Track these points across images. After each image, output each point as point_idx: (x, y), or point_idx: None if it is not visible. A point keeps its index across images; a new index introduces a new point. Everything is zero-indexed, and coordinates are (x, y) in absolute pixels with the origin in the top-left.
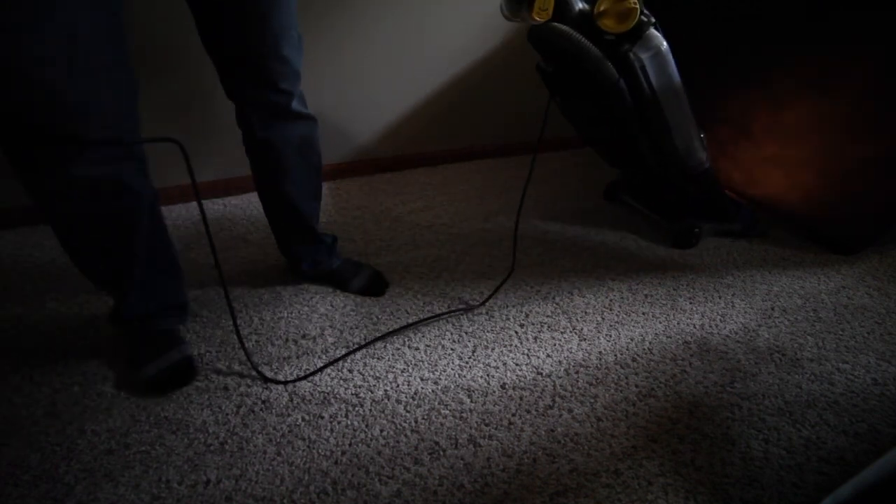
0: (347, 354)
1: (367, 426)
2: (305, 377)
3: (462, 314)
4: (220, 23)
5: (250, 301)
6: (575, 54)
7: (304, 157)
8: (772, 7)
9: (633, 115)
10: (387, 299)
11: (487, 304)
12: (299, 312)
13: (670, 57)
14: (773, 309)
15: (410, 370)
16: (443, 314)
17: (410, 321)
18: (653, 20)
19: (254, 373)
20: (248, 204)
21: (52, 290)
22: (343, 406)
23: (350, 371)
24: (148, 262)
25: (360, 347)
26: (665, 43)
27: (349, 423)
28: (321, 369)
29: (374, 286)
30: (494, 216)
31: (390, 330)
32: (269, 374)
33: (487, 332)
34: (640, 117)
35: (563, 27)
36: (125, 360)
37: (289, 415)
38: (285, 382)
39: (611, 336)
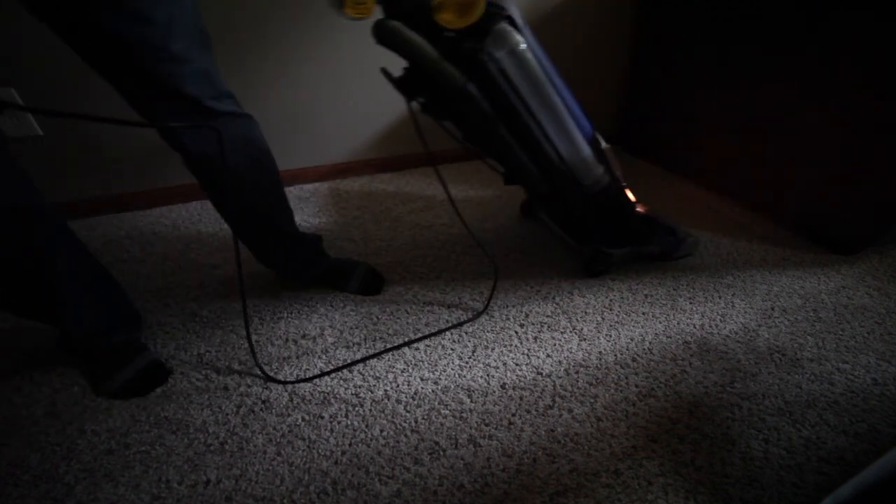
0: (353, 364)
1: (367, 426)
2: (309, 380)
3: (463, 316)
4: (83, 25)
5: (250, 301)
6: (407, 55)
7: (250, 158)
8: (772, 7)
9: (493, 125)
10: (386, 299)
11: (488, 305)
12: (299, 312)
13: (532, 56)
14: (773, 309)
15: (410, 370)
16: (444, 329)
17: (410, 322)
18: (507, 13)
19: (255, 371)
20: None
21: None
22: (343, 406)
23: (350, 371)
24: (71, 279)
25: (365, 359)
26: (524, 41)
27: (349, 423)
28: (327, 374)
29: (371, 285)
30: (494, 216)
31: (395, 340)
32: (268, 374)
33: (487, 332)
34: (508, 128)
35: (394, 24)
36: (88, 381)
37: (289, 415)
38: (284, 382)
39: (611, 336)
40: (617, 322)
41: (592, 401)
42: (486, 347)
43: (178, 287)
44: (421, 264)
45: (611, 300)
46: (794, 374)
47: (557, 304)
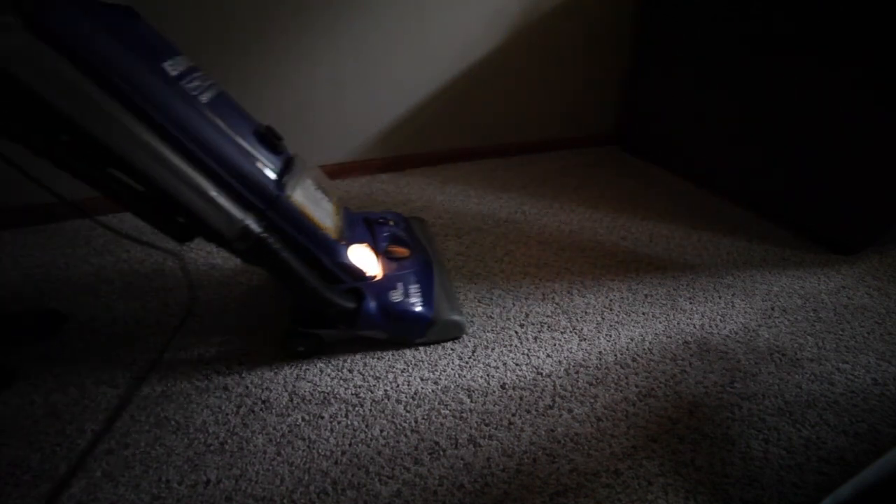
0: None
1: (367, 426)
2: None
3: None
4: None
5: (249, 300)
6: None
7: None
8: (771, 7)
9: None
10: None
11: (487, 304)
12: None
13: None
14: (773, 309)
15: (410, 370)
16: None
17: None
18: None
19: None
20: None
21: (52, 291)
22: (343, 406)
23: (350, 371)
24: None
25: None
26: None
27: (349, 423)
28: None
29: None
30: (493, 216)
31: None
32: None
33: (487, 332)
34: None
35: None
36: None
37: (289, 415)
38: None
39: (611, 336)
40: (617, 322)
41: (592, 401)
42: (486, 347)
43: (179, 287)
44: None
45: (611, 300)
46: (794, 374)
47: (557, 304)
